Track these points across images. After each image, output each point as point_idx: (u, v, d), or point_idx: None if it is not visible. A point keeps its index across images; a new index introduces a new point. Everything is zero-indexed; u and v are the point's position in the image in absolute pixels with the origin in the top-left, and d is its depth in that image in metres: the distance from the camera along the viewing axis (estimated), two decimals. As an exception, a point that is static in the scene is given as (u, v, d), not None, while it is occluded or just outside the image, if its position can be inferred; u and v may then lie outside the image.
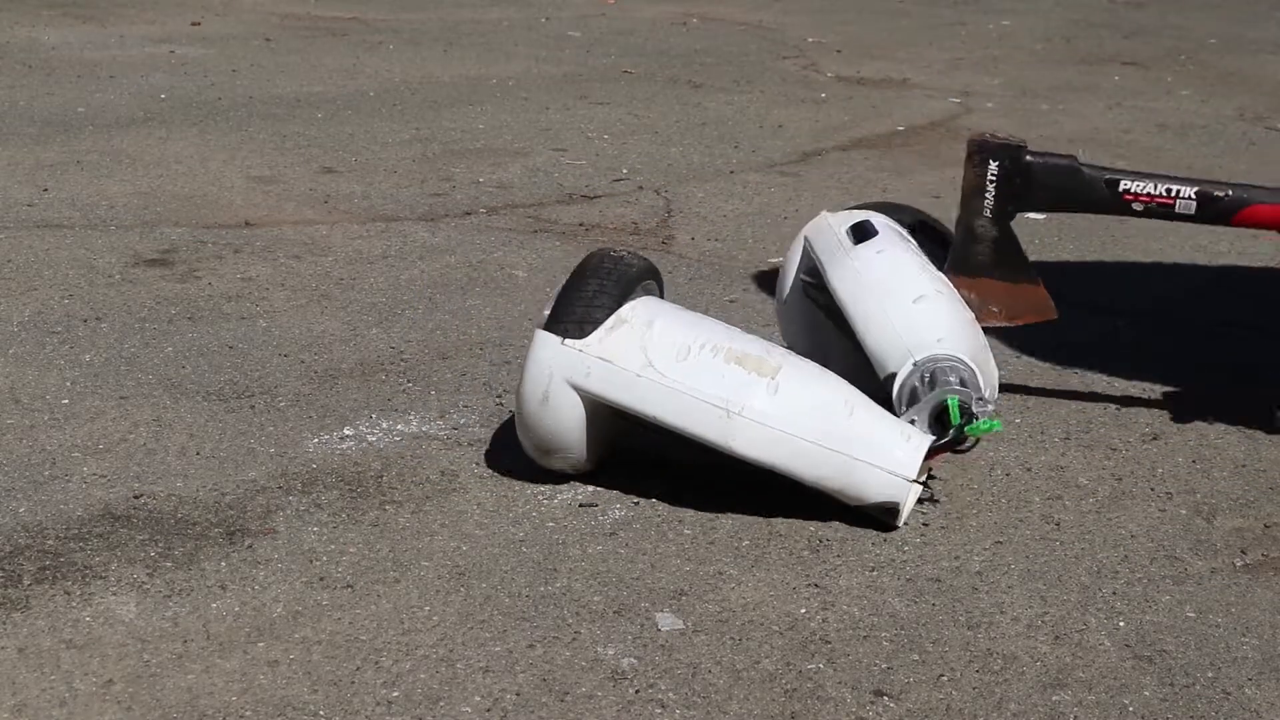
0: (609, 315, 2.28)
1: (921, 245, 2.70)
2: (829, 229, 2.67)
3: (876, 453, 2.23)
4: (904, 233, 2.70)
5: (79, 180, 4.02)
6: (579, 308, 2.28)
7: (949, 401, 2.29)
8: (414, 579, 2.07)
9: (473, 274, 3.40)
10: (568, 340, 2.26)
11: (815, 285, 2.67)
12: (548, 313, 2.31)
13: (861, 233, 2.60)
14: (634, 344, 2.26)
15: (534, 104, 5.33)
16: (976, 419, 2.30)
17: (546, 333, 2.27)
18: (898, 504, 2.24)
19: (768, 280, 3.38)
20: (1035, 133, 5.25)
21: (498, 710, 1.78)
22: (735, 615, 2.01)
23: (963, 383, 2.35)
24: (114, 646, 1.88)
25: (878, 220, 2.66)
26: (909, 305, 2.43)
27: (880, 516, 2.27)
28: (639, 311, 2.31)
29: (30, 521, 2.17)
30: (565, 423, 2.28)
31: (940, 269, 2.65)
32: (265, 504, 2.26)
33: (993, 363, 2.49)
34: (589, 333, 2.26)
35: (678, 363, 2.25)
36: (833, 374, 2.34)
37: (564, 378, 2.25)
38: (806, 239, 2.71)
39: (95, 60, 5.73)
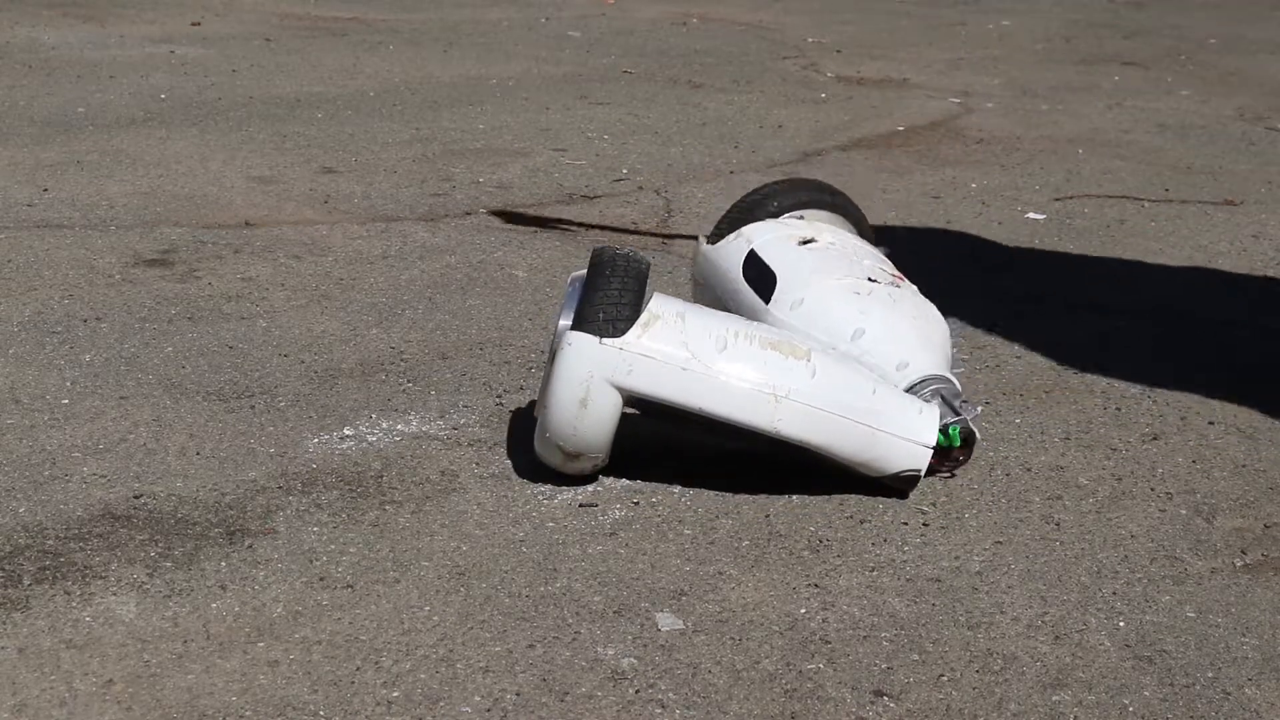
0: (639, 312, 2.27)
1: (822, 210, 2.72)
2: (725, 276, 2.59)
3: (899, 424, 2.30)
4: (798, 230, 2.63)
5: (79, 180, 4.02)
6: (608, 306, 2.26)
7: (949, 433, 2.37)
8: (414, 579, 2.07)
9: (473, 274, 3.40)
10: (605, 340, 2.24)
11: None
12: (566, 320, 2.29)
13: (762, 283, 2.52)
14: (673, 338, 2.26)
15: (534, 104, 5.33)
16: (973, 433, 2.38)
17: (582, 334, 2.24)
18: (919, 471, 2.31)
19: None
20: (1035, 132, 5.25)
21: (498, 710, 1.78)
22: (735, 615, 2.01)
23: (943, 397, 2.39)
24: (114, 646, 1.88)
25: (763, 238, 2.60)
26: (849, 347, 2.41)
27: (898, 485, 2.33)
28: (666, 306, 2.31)
29: (30, 521, 2.17)
30: (601, 424, 2.26)
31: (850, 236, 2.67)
32: (265, 504, 2.26)
33: (941, 320, 2.52)
34: (624, 330, 2.25)
35: (719, 353, 2.27)
36: (847, 353, 2.38)
37: (605, 377, 2.24)
38: (705, 279, 2.67)
39: (95, 60, 5.73)
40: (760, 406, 2.25)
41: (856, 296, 2.48)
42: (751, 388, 2.25)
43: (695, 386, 2.25)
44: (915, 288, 2.59)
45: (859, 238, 2.73)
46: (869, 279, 2.52)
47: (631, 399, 2.27)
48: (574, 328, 2.25)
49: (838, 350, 2.39)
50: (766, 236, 2.61)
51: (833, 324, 2.43)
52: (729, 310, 2.59)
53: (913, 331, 2.46)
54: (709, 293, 2.66)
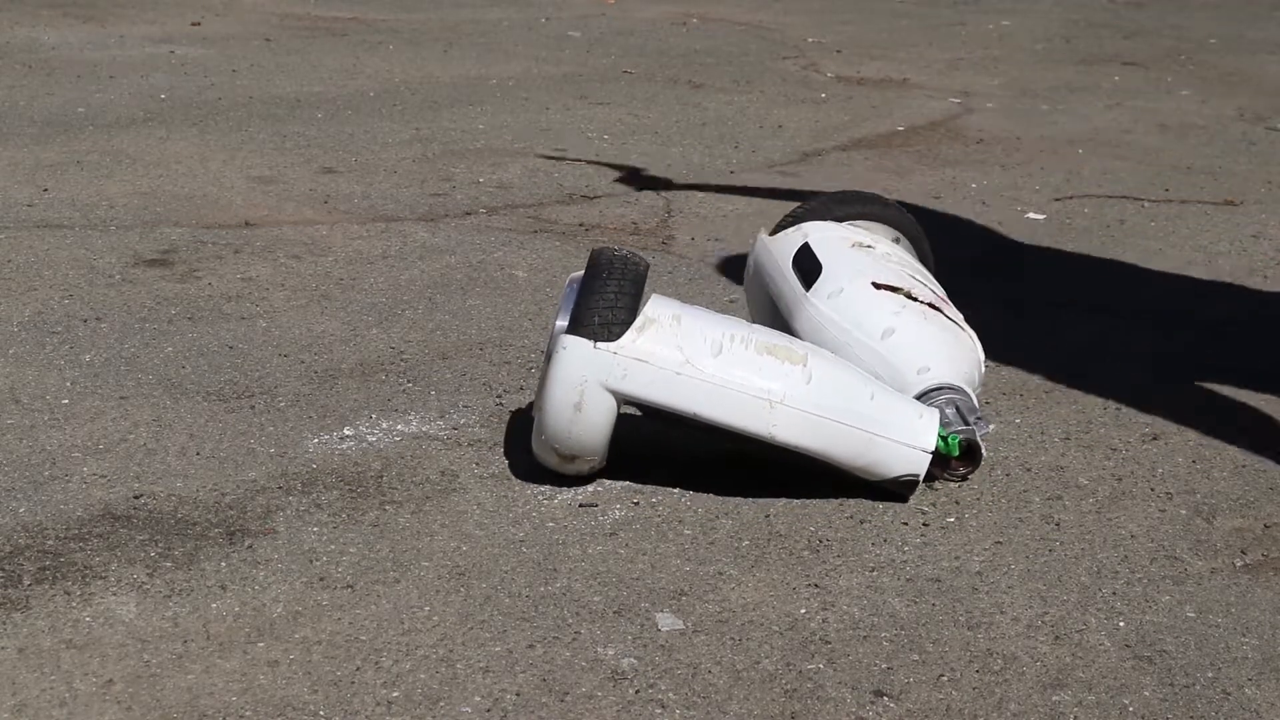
0: (634, 315, 2.28)
1: (873, 221, 2.73)
2: (774, 264, 2.63)
3: (898, 430, 2.29)
4: (855, 235, 2.66)
5: (79, 180, 4.02)
6: (603, 310, 2.26)
7: (949, 441, 2.36)
8: (414, 579, 2.07)
9: (473, 274, 3.40)
10: (600, 344, 2.24)
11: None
12: (563, 321, 2.30)
13: (808, 273, 2.55)
14: (668, 342, 2.27)
15: (534, 104, 5.33)
16: (976, 445, 2.37)
17: (577, 338, 2.24)
18: (918, 476, 2.30)
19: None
20: (1035, 133, 5.25)
21: (498, 710, 1.78)
22: (735, 615, 2.01)
23: (957, 408, 2.39)
24: (114, 646, 1.88)
25: (820, 235, 2.63)
26: (877, 344, 2.43)
27: (898, 489, 2.33)
28: (662, 309, 2.31)
29: (30, 521, 2.17)
30: (596, 428, 2.26)
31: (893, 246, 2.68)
32: (265, 504, 2.26)
33: (975, 349, 2.51)
34: (619, 335, 2.25)
35: (714, 358, 2.27)
36: (843, 359, 2.39)
37: (599, 381, 2.24)
38: (757, 268, 2.70)
39: (95, 60, 5.73)
40: (755, 412, 2.25)
41: (894, 300, 2.50)
42: (746, 393, 2.25)
43: (689, 391, 2.25)
44: (961, 317, 2.59)
45: (917, 260, 2.76)
46: (911, 294, 2.54)
47: (628, 401, 2.27)
48: (569, 331, 2.26)
49: (839, 356, 2.39)
50: (823, 234, 2.64)
51: (865, 319, 2.45)
52: (771, 298, 2.63)
53: (942, 345, 2.46)
54: (757, 280, 2.71)
